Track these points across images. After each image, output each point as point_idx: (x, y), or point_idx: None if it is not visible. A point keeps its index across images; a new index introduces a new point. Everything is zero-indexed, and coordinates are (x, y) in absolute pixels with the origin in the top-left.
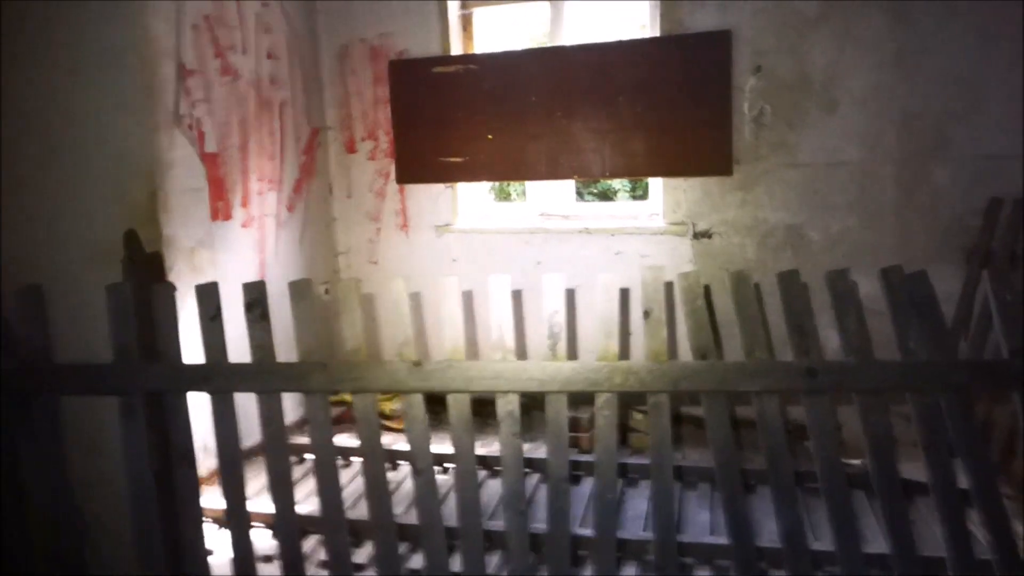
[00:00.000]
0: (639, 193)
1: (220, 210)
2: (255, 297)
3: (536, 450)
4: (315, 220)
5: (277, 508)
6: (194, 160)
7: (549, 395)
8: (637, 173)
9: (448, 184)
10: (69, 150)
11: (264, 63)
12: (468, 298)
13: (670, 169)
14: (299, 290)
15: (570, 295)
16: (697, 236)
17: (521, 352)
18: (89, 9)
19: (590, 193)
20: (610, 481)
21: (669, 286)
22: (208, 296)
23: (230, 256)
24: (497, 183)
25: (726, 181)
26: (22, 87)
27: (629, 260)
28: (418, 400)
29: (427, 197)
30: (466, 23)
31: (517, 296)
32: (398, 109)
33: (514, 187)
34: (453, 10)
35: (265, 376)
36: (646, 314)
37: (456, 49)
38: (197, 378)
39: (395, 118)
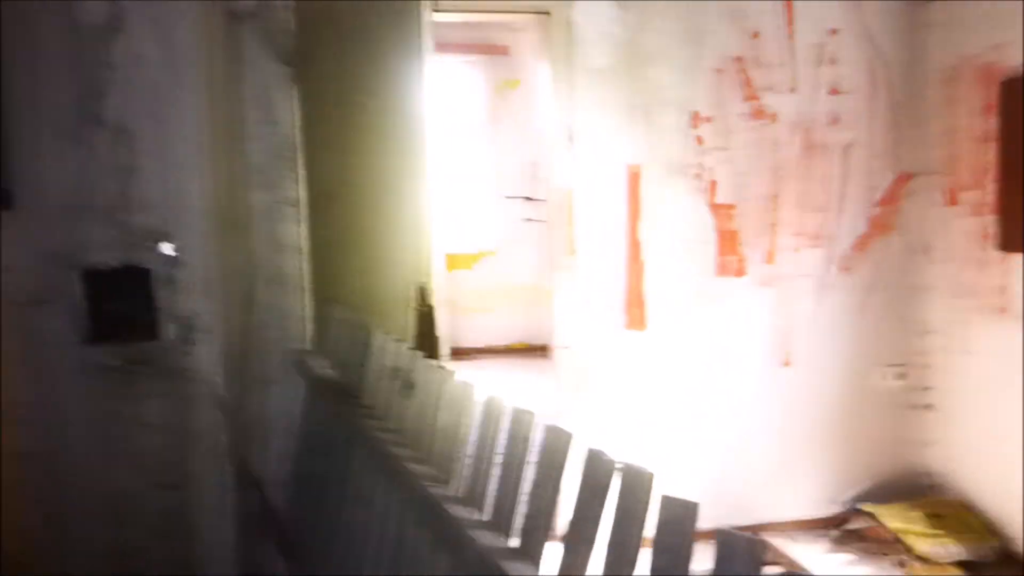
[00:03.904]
0: None
1: (729, 265)
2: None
3: None
4: (887, 287)
5: None
6: (700, 211)
7: None
8: None
9: None
10: (372, 210)
11: (821, 100)
12: None
13: None
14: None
15: None
16: None
17: None
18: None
19: None
20: None
21: None
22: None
23: (734, 316)
24: None
25: None
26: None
27: None
28: None
29: None
30: None
31: None
32: (1006, 148)
33: None
34: None
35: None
36: None
37: None
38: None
39: (1001, 160)
